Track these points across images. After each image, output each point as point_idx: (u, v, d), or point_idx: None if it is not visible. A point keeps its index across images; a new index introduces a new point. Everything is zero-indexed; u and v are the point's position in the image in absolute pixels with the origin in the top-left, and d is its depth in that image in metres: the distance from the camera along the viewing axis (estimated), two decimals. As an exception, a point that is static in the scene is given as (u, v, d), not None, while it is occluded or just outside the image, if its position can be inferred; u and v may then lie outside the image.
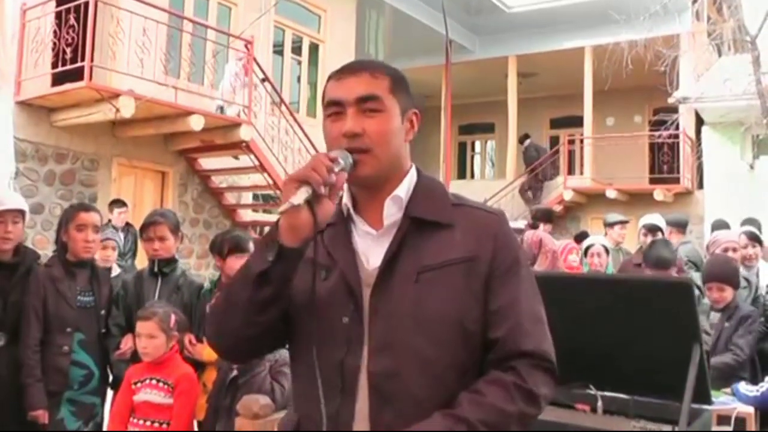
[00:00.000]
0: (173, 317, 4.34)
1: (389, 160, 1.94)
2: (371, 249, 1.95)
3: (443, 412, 1.77)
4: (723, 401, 4.38)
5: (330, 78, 2.01)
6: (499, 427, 1.77)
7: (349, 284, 1.90)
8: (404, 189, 1.98)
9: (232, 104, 12.37)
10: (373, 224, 1.97)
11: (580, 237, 10.40)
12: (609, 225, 9.32)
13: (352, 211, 2.00)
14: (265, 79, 13.13)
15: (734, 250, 6.58)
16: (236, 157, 13.18)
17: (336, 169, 1.81)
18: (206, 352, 4.51)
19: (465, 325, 1.86)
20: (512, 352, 1.85)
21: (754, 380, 4.95)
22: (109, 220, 10.16)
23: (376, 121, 1.92)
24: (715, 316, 5.39)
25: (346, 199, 2.02)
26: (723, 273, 5.44)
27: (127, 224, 10.40)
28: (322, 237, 1.95)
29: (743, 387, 4.66)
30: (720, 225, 8.12)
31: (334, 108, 1.95)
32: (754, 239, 7.02)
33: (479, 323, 1.88)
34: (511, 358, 1.85)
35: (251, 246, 4.71)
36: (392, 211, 1.95)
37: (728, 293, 5.36)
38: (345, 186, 2.00)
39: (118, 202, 10.58)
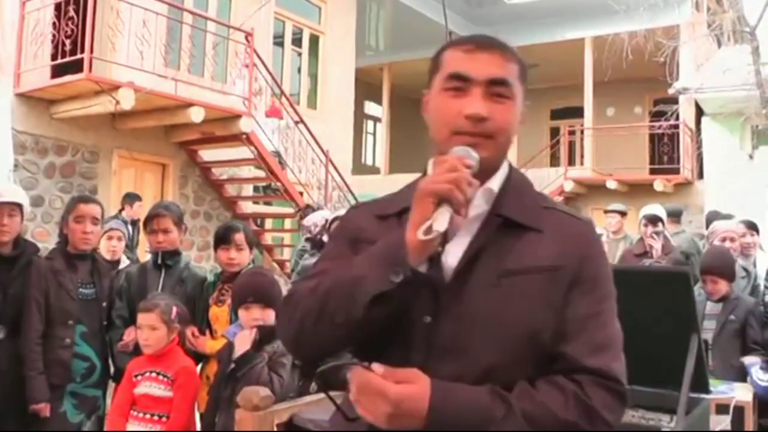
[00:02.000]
0: (175, 309, 4.34)
1: (504, 151, 1.82)
2: (450, 243, 1.76)
3: (491, 387, 1.62)
4: (722, 390, 4.41)
5: (452, 46, 1.85)
6: (543, 428, 1.61)
7: (432, 282, 1.71)
8: (497, 182, 1.82)
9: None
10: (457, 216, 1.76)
11: None
12: (605, 213, 9.49)
13: None
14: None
15: (731, 239, 6.63)
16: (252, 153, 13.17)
17: (471, 177, 1.64)
18: (209, 345, 4.54)
19: (539, 339, 1.69)
20: (577, 366, 1.68)
21: None
22: (120, 211, 10.18)
23: (504, 108, 1.76)
24: (714, 307, 5.42)
25: None
26: (716, 265, 5.47)
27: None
28: (398, 219, 1.79)
29: (757, 372, 4.71)
30: (714, 216, 8.13)
31: (457, 83, 1.77)
32: (753, 228, 7.05)
33: (553, 335, 1.71)
34: (576, 372, 1.67)
35: (238, 237, 4.72)
36: (479, 203, 1.77)
37: (722, 285, 5.41)
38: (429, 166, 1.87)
39: (134, 195, 10.55)
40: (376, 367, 1.61)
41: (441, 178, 1.61)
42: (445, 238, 1.63)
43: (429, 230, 1.54)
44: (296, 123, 13.58)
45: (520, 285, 1.69)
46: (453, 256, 1.74)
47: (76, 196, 5.13)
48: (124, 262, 6.83)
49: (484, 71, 1.76)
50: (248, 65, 12.40)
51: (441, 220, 1.55)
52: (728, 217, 7.89)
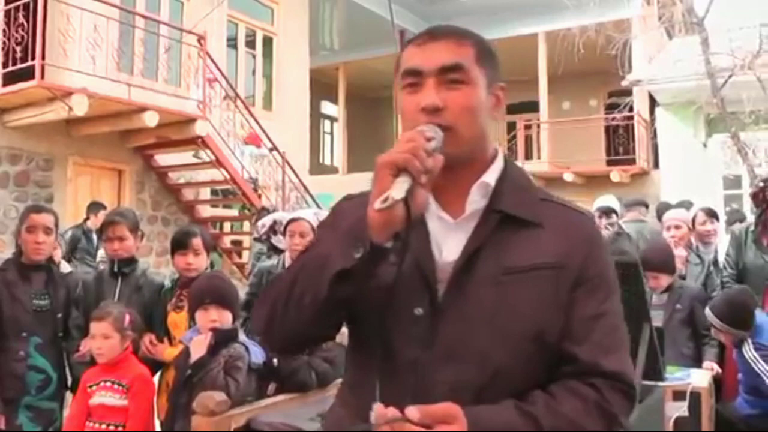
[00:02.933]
0: (128, 317, 4.29)
1: (473, 139, 1.72)
2: (446, 239, 1.73)
3: (516, 403, 1.58)
4: (678, 377, 4.47)
5: (409, 43, 1.80)
6: None
7: (424, 274, 1.68)
8: (493, 176, 1.77)
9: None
10: (450, 211, 1.74)
11: None
12: None
13: None
14: (215, 80, 13.09)
15: (677, 227, 6.70)
16: (196, 155, 13.12)
17: (432, 149, 1.57)
18: (167, 352, 4.52)
19: (546, 339, 1.66)
20: (593, 369, 1.65)
21: None
22: (85, 220, 10.09)
23: (460, 94, 1.70)
24: (659, 298, 5.52)
25: None
26: (655, 261, 5.54)
27: None
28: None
29: (748, 349, 4.86)
30: (665, 207, 8.22)
31: (412, 78, 1.73)
32: (712, 215, 7.11)
33: (559, 334, 1.68)
34: (591, 376, 1.65)
35: (195, 242, 4.70)
36: (476, 198, 1.74)
37: (663, 280, 5.52)
38: None
39: (99, 205, 10.45)
40: (410, 412, 1.48)
41: (398, 148, 1.55)
42: (410, 213, 1.54)
43: (386, 200, 1.49)
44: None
45: (523, 283, 1.66)
46: (451, 252, 1.71)
47: (29, 206, 5.08)
48: (66, 269, 6.79)
49: (434, 60, 1.71)
50: (202, 69, 12.35)
51: (398, 189, 1.50)
52: (683, 205, 7.97)
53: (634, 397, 1.70)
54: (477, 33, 1.83)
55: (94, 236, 9.82)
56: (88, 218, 10.19)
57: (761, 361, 4.81)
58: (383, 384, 1.60)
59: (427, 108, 1.68)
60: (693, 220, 6.98)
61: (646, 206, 8.86)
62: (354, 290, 1.61)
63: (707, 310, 5.20)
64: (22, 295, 4.53)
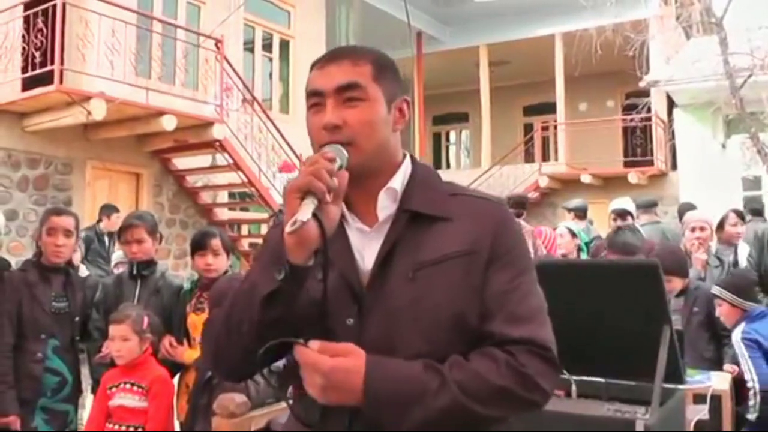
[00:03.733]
0: (146, 319, 4.31)
1: (374, 152, 1.80)
2: (366, 247, 1.82)
3: (425, 361, 1.65)
4: (698, 380, 4.43)
5: (312, 67, 1.89)
6: (479, 397, 1.64)
7: (350, 284, 1.77)
8: (399, 181, 1.85)
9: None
10: (367, 220, 1.84)
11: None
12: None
13: (344, 207, 1.81)
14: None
15: (701, 229, 6.60)
16: (213, 158, 13.15)
17: (336, 169, 1.67)
18: (187, 354, 4.52)
19: (466, 323, 1.73)
20: (506, 339, 1.71)
21: None
22: (98, 222, 10.13)
23: (357, 111, 1.78)
24: (676, 302, 5.42)
25: None
26: (666, 265, 5.48)
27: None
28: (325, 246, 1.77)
29: (737, 333, 4.84)
30: (687, 207, 8.17)
31: (315, 99, 1.83)
32: (741, 217, 7.06)
33: (479, 318, 1.75)
34: (505, 344, 1.70)
35: (214, 242, 4.70)
36: (386, 204, 1.83)
37: (675, 283, 5.42)
38: None
39: (111, 207, 10.40)
40: (313, 343, 1.64)
41: (302, 172, 1.65)
42: (324, 230, 1.64)
43: (294, 223, 1.58)
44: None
45: (436, 275, 1.74)
46: (370, 257, 1.80)
47: (50, 209, 5.07)
48: (84, 272, 6.79)
49: (332, 81, 1.80)
50: (220, 73, 12.38)
51: (304, 211, 1.58)
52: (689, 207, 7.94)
53: (553, 361, 1.73)
54: (377, 50, 1.91)
55: (107, 239, 9.85)
56: (100, 220, 10.15)
57: (744, 349, 4.77)
58: None
59: (327, 126, 1.78)
60: (722, 221, 6.93)
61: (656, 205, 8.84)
62: (285, 310, 1.68)
63: (714, 287, 5.22)
64: (42, 296, 4.52)
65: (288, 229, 1.59)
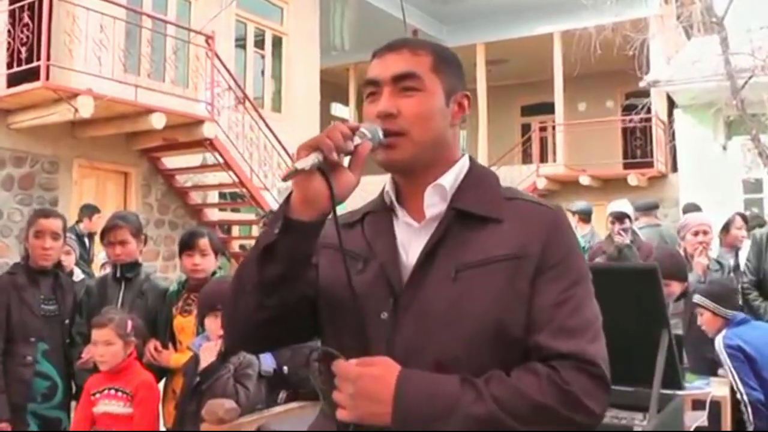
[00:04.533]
0: (129, 323, 4.30)
1: (428, 145, 1.78)
2: (411, 242, 1.79)
3: (462, 376, 1.59)
4: (697, 386, 4.39)
5: (373, 56, 1.89)
6: (517, 413, 1.55)
7: (388, 278, 1.75)
8: (450, 178, 1.82)
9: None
10: (416, 216, 1.82)
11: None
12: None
13: (394, 200, 1.85)
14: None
15: (705, 233, 6.50)
16: (204, 158, 13.07)
17: (357, 139, 1.68)
18: (173, 358, 4.52)
19: (507, 330, 1.66)
20: (551, 353, 1.63)
21: None
22: (77, 223, 9.88)
23: (413, 101, 1.77)
24: (676, 306, 5.43)
25: (388, 187, 1.88)
26: (664, 269, 5.39)
27: None
28: (362, 225, 1.87)
29: (719, 340, 4.83)
30: (691, 208, 8.07)
31: (371, 88, 1.82)
32: (746, 221, 7.08)
33: (524, 328, 1.67)
34: (550, 359, 1.62)
35: (202, 242, 4.68)
36: (434, 201, 1.80)
37: (674, 287, 5.41)
38: (389, 174, 1.90)
39: (92, 207, 10.18)
40: (352, 361, 1.63)
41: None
42: (332, 191, 1.65)
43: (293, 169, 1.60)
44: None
45: (479, 277, 1.68)
46: (414, 253, 1.76)
47: (37, 211, 5.19)
48: (78, 276, 6.68)
49: (389, 70, 1.80)
50: (210, 70, 12.29)
51: (304, 161, 1.59)
52: (698, 208, 7.87)
53: (603, 379, 1.64)
54: (438, 43, 1.93)
55: (87, 240, 9.66)
56: (80, 221, 9.91)
57: (728, 359, 4.76)
58: None
59: (380, 114, 1.77)
60: (728, 224, 6.88)
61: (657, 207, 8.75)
62: (283, 270, 1.68)
63: (695, 295, 5.20)
64: (31, 299, 4.60)
65: (283, 174, 1.62)
